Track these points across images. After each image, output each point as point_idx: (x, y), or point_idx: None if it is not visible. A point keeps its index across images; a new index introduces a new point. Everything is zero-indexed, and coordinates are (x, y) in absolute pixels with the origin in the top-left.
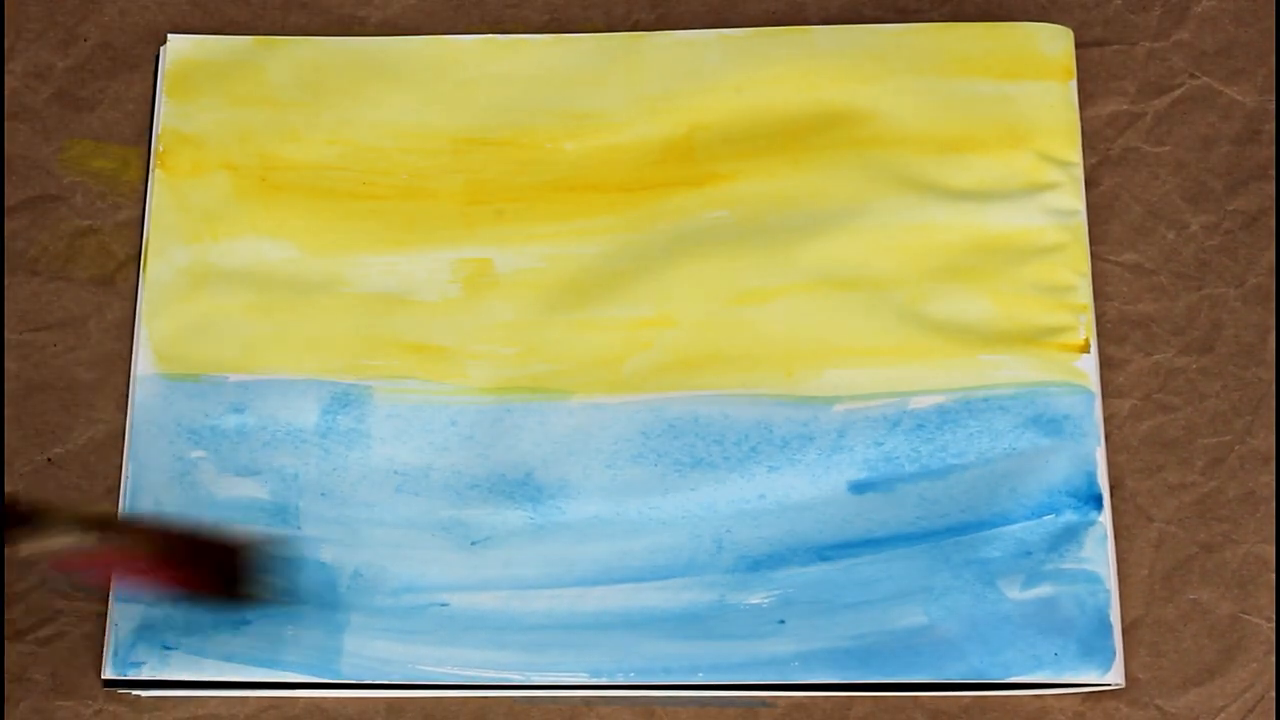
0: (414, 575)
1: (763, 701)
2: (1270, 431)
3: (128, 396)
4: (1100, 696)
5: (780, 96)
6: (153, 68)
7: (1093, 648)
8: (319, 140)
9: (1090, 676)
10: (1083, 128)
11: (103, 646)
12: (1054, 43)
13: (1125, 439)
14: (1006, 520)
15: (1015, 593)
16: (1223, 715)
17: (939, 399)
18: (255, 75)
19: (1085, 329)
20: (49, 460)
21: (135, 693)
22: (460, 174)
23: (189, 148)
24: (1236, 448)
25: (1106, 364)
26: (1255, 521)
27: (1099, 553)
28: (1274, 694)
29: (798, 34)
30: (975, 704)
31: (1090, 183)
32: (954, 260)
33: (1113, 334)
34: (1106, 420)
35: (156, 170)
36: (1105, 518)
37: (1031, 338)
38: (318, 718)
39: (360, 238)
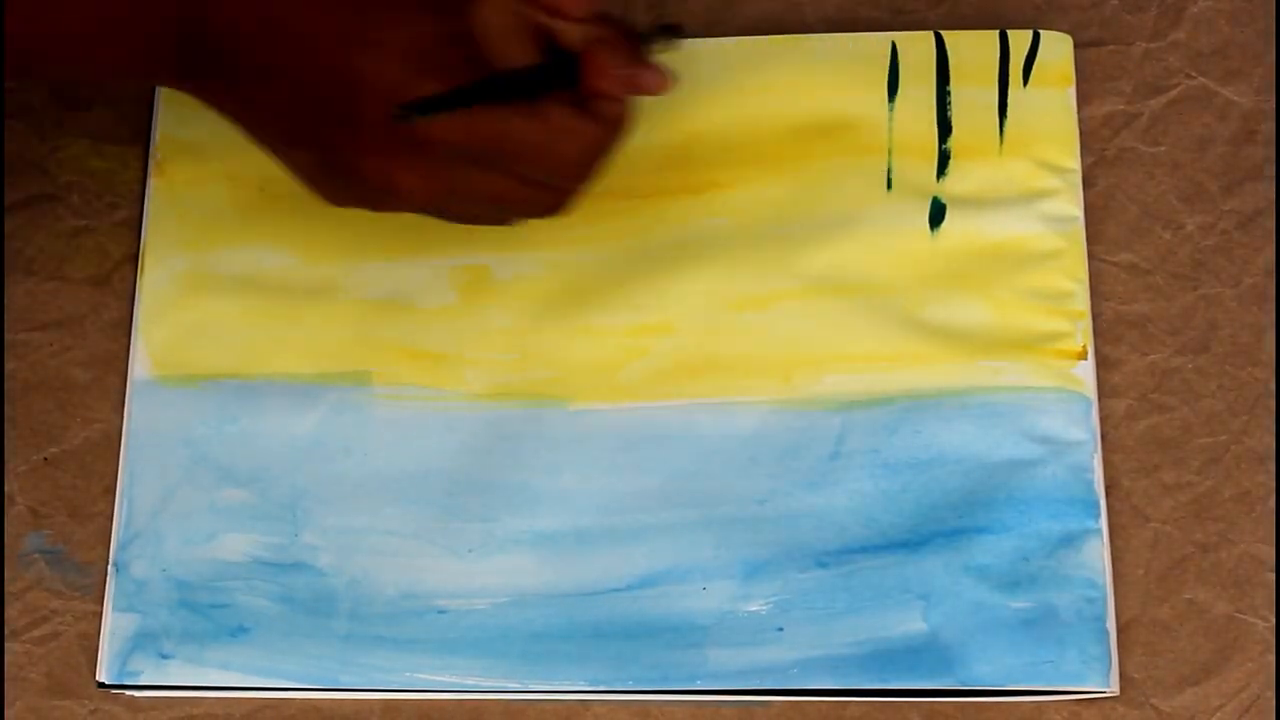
0: (411, 582)
1: (758, 702)
2: (1266, 431)
3: (124, 397)
4: (1096, 697)
5: (778, 104)
6: None
7: (1089, 655)
8: None
9: (1085, 685)
10: (1079, 128)
11: (98, 646)
12: (1053, 49)
13: (1121, 439)
14: (1004, 527)
15: (1012, 600)
16: (1219, 715)
17: (936, 405)
18: None
19: (1083, 335)
20: (45, 460)
21: (130, 692)
22: None
23: (187, 156)
24: (1232, 447)
25: (1103, 364)
26: (1251, 521)
27: (1096, 560)
28: (1271, 693)
29: (795, 42)
30: (971, 705)
31: (1086, 183)
32: (952, 267)
33: (1109, 334)
34: (1102, 420)
35: (154, 178)
36: (1102, 525)
37: (1029, 344)
38: (313, 717)
39: (358, 245)
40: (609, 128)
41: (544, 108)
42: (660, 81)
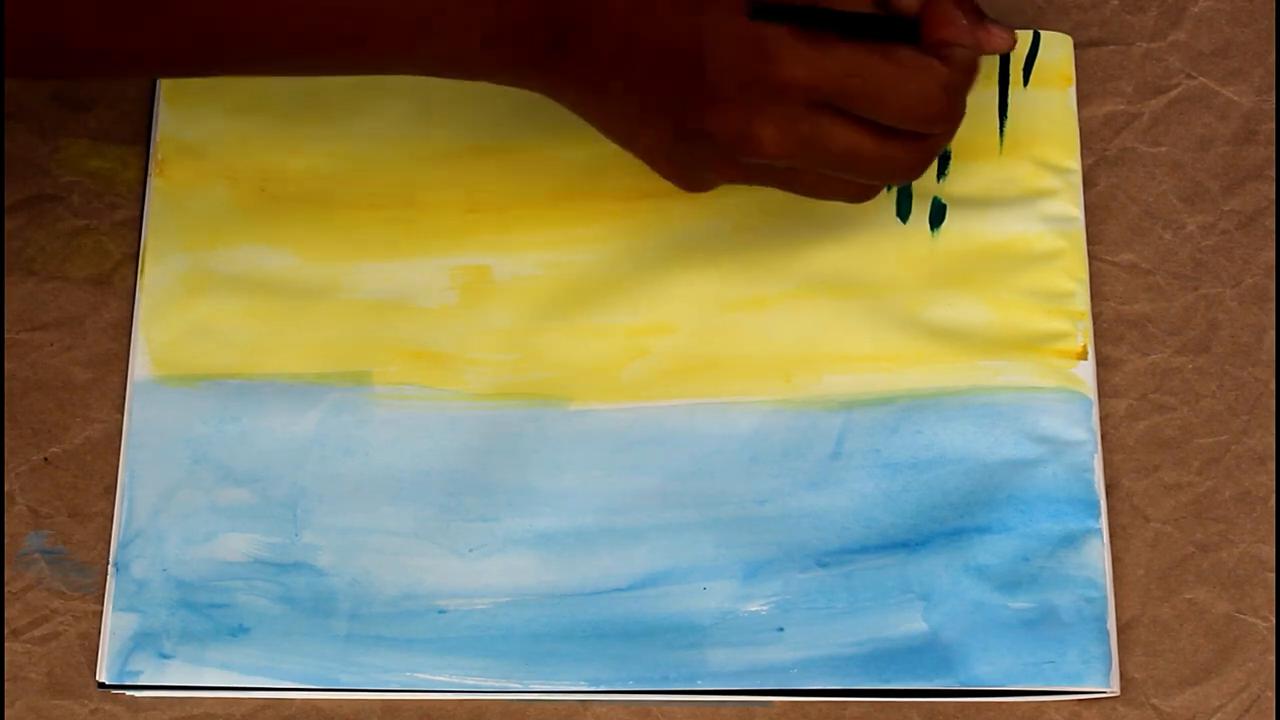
0: (411, 582)
1: (758, 702)
2: (1266, 431)
3: (124, 397)
4: (1096, 697)
5: None
6: None
7: (1090, 655)
8: (318, 150)
9: (1086, 685)
10: (1079, 128)
11: (99, 646)
12: (1053, 50)
13: (1121, 439)
14: (1004, 527)
15: (1013, 600)
16: (1219, 715)
17: (937, 405)
18: (254, 84)
19: (1083, 335)
20: (45, 459)
21: (131, 692)
22: (459, 182)
23: (188, 156)
24: (1233, 448)
25: (1103, 364)
26: (1251, 521)
27: (1096, 560)
28: (1271, 693)
29: None
30: (971, 705)
31: (1087, 183)
32: (952, 267)
33: (1109, 334)
34: (1103, 420)
35: (155, 179)
36: (1102, 525)
37: (1029, 344)
38: (314, 717)
39: (359, 245)
40: (958, 69)
41: (893, 47)
42: (1006, 39)
